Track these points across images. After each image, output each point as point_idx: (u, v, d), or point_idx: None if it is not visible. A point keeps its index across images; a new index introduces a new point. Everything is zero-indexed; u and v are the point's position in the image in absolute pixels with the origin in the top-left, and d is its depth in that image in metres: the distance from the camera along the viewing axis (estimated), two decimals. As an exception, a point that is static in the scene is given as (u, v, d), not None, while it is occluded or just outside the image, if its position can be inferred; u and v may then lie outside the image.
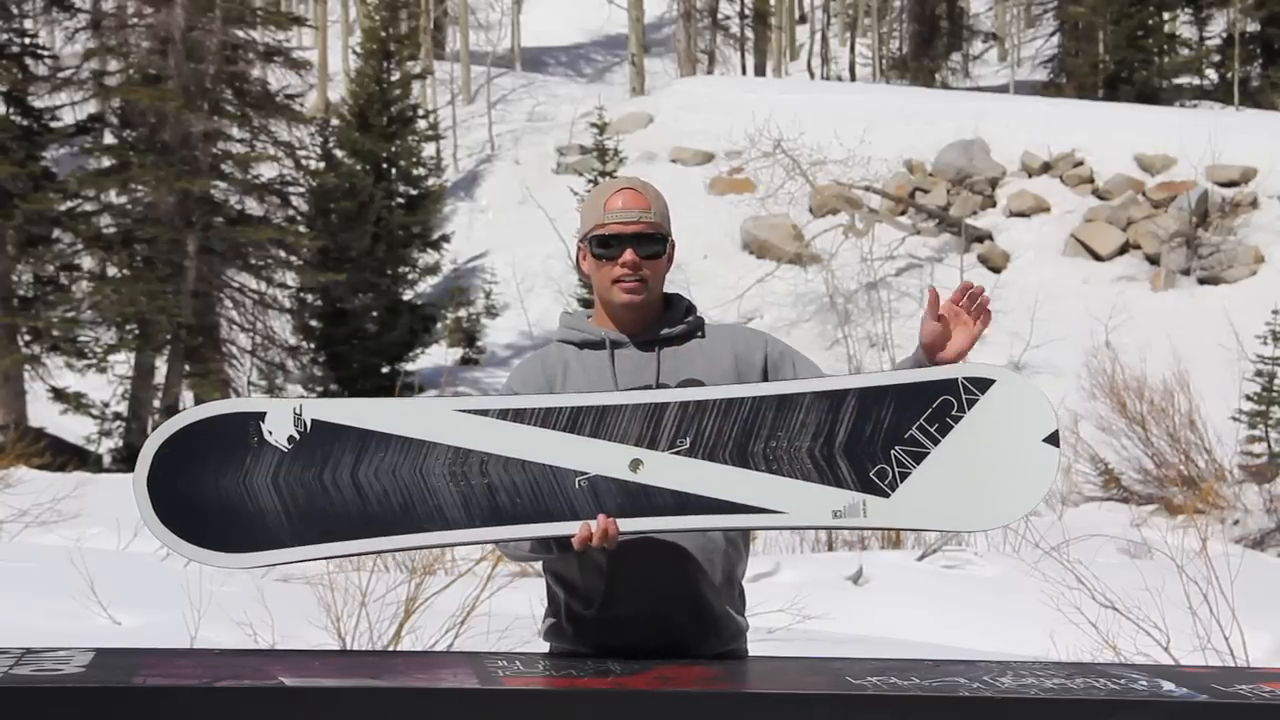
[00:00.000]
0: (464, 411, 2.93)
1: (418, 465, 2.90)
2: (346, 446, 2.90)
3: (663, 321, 3.07)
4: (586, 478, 2.89)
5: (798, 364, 3.07)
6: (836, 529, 2.97)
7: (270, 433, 2.90)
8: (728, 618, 3.05)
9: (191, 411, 2.93)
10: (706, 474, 2.90)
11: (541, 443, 2.90)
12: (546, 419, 2.91)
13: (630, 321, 3.05)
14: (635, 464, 2.90)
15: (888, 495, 2.90)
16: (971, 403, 2.92)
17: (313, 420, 2.91)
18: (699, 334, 3.08)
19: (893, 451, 2.91)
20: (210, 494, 2.87)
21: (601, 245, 3.02)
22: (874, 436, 2.91)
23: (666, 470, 2.90)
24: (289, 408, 2.92)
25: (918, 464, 2.91)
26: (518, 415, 2.92)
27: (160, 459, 2.88)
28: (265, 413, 2.92)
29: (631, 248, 3.00)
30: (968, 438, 2.92)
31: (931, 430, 2.91)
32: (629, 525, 2.87)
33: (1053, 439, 2.93)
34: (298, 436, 2.90)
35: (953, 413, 2.92)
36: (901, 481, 2.91)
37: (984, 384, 2.94)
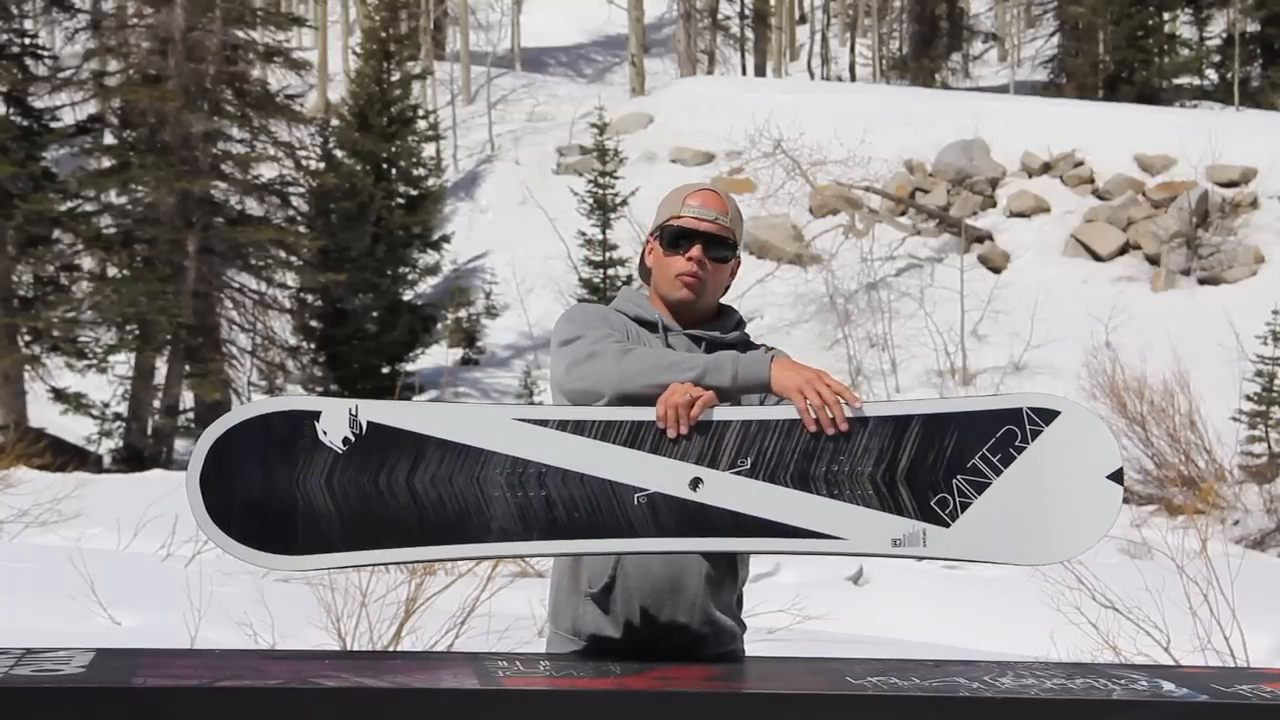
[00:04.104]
0: (523, 421, 2.84)
1: (474, 474, 2.81)
2: (403, 451, 2.80)
3: (714, 326, 3.10)
4: (645, 495, 2.81)
5: None
6: (896, 558, 2.92)
7: (325, 433, 2.80)
8: (724, 622, 3.05)
9: (245, 408, 2.84)
10: (767, 496, 2.82)
11: (601, 457, 2.82)
12: (607, 432, 2.83)
13: (683, 319, 3.08)
14: (695, 483, 2.83)
15: (948, 525, 2.82)
16: (1035, 434, 2.84)
17: (369, 423, 2.81)
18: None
19: (955, 480, 2.83)
20: (262, 494, 2.79)
21: (673, 238, 3.06)
22: (936, 464, 2.83)
23: (727, 490, 2.82)
24: (345, 408, 2.82)
25: (979, 494, 2.83)
26: (578, 427, 2.83)
27: (213, 457, 2.78)
28: (320, 412, 2.82)
29: (701, 245, 3.04)
30: (1031, 469, 2.83)
31: (994, 460, 2.83)
32: (681, 545, 2.85)
33: (1117, 476, 2.84)
34: (353, 438, 2.80)
35: (1016, 443, 2.83)
36: (962, 511, 2.82)
37: (1049, 415, 2.85)
